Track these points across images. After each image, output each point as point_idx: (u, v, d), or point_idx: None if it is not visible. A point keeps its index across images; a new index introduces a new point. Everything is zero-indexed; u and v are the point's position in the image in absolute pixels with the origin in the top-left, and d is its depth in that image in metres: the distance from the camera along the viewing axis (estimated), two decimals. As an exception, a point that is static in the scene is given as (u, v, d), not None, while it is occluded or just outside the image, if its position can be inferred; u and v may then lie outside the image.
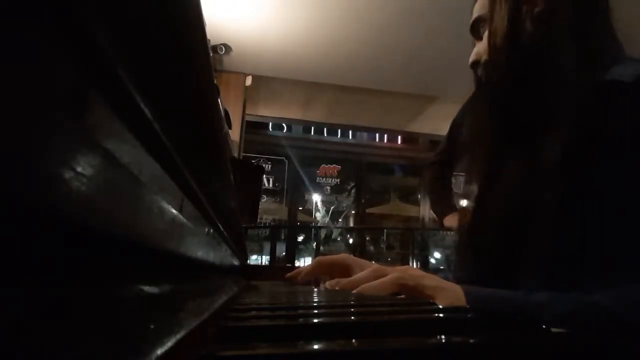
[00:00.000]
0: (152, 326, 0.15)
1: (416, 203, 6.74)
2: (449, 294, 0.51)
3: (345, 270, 0.68)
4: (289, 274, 0.79)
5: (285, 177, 6.44)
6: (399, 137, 6.50)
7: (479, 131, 0.73)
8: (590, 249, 0.54)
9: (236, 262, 0.80)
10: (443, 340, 0.18)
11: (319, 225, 6.51)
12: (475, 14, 0.72)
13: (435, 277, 0.55)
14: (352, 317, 0.27)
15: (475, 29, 0.73)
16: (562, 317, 0.46)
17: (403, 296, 0.52)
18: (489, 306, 0.50)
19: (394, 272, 0.54)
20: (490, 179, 0.70)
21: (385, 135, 6.62)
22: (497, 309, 0.49)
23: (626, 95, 0.55)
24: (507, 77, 0.65)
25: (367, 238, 6.45)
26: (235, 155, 3.29)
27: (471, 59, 0.72)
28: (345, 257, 0.70)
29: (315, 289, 0.73)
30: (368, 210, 6.74)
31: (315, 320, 0.25)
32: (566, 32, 0.64)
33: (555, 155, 0.58)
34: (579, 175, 0.56)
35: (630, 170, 0.53)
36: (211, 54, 2.79)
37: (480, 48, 0.70)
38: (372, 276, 0.55)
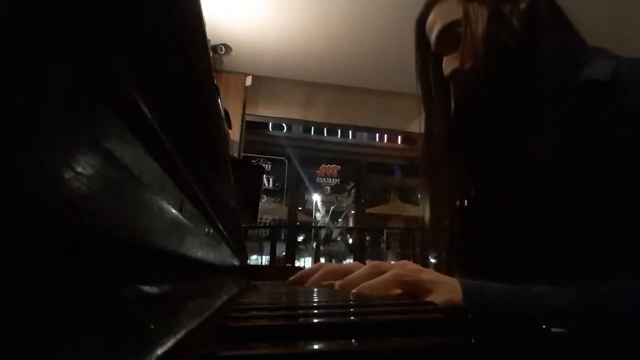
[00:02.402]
0: (152, 326, 0.15)
1: (416, 203, 6.75)
2: (447, 287, 0.50)
3: None
4: (291, 279, 0.77)
5: (285, 177, 6.44)
6: (399, 137, 6.51)
7: (459, 139, 0.71)
8: (586, 247, 0.54)
9: (236, 262, 0.80)
10: (443, 340, 0.18)
11: (319, 225, 6.51)
12: (441, 23, 0.68)
13: (432, 271, 0.54)
14: (352, 317, 0.27)
15: (446, 37, 0.68)
16: (561, 311, 0.46)
17: (400, 292, 0.51)
18: (486, 300, 0.49)
19: (393, 269, 0.53)
20: (476, 185, 0.69)
21: (385, 135, 6.62)
22: (494, 302, 0.49)
23: (606, 94, 0.56)
24: (491, 81, 0.62)
25: (367, 238, 6.45)
26: (235, 155, 3.29)
27: (450, 67, 0.67)
28: (356, 265, 0.68)
29: (315, 289, 0.73)
30: (368, 210, 6.74)
31: (315, 320, 0.25)
32: (549, 30, 0.64)
33: (543, 155, 0.58)
34: (568, 175, 0.56)
35: (621, 169, 0.53)
36: (211, 54, 2.79)
37: (459, 54, 0.66)
38: (371, 273, 0.54)
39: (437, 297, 0.49)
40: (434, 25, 0.70)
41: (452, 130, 0.70)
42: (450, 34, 0.67)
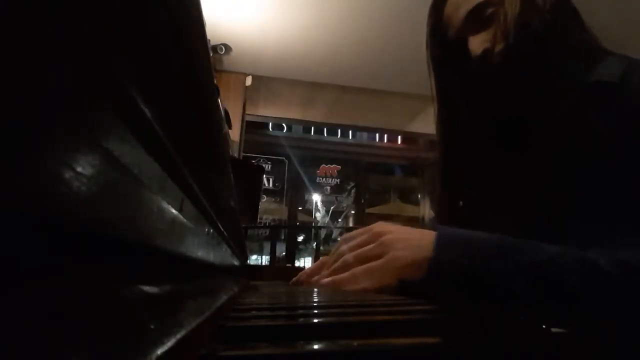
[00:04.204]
0: (152, 326, 0.15)
1: (416, 203, 6.74)
2: (402, 244, 0.49)
3: None
4: (293, 280, 0.77)
5: (285, 177, 6.44)
6: (399, 137, 6.50)
7: (469, 131, 0.71)
8: (590, 243, 0.54)
9: (236, 262, 0.80)
10: (443, 340, 0.18)
11: (319, 225, 6.51)
12: (473, 1, 0.67)
13: (389, 228, 0.53)
14: (352, 317, 0.27)
15: (475, 17, 0.67)
16: (546, 263, 0.44)
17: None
18: (468, 253, 0.47)
19: (341, 248, 0.56)
20: (483, 179, 0.69)
21: (385, 135, 6.62)
22: (478, 255, 0.47)
23: (613, 96, 0.56)
24: (520, 64, 0.62)
25: (367, 238, 6.43)
26: (235, 155, 3.29)
27: (481, 47, 0.66)
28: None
29: (315, 289, 0.73)
30: (368, 210, 6.74)
31: (315, 320, 0.25)
32: (570, 25, 0.64)
33: (553, 152, 0.58)
34: (573, 173, 0.56)
35: (624, 170, 0.53)
36: (211, 54, 2.79)
37: (490, 35, 0.65)
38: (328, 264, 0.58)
39: (384, 261, 0.49)
40: (462, 5, 0.68)
41: (466, 114, 0.70)
42: (480, 14, 0.67)
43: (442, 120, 0.74)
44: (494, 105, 0.66)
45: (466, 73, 0.68)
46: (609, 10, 2.48)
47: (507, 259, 0.46)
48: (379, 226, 0.56)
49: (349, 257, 0.54)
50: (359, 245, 0.54)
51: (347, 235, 0.60)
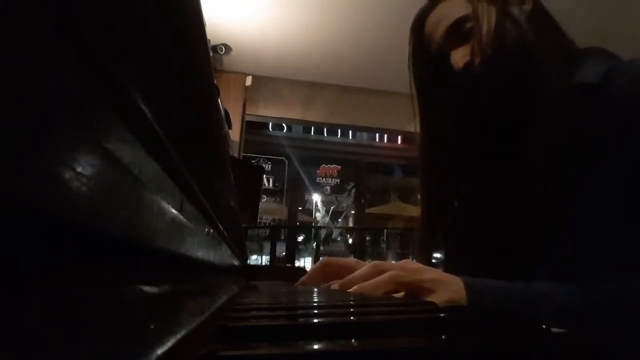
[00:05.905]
0: (152, 326, 0.15)
1: (416, 203, 6.73)
2: (449, 286, 0.50)
3: None
4: (299, 282, 0.77)
5: (285, 177, 6.45)
6: (399, 137, 6.50)
7: (462, 136, 0.71)
8: (583, 245, 0.54)
9: (236, 262, 0.80)
10: (443, 341, 0.18)
11: (319, 225, 6.51)
12: (451, 17, 0.68)
13: (435, 270, 0.54)
14: (352, 317, 0.27)
15: (455, 32, 0.69)
16: (564, 308, 0.45)
17: (402, 293, 0.51)
18: (489, 298, 0.49)
19: (391, 269, 0.53)
20: (476, 182, 0.69)
21: (385, 135, 6.62)
22: (497, 300, 0.48)
23: (597, 96, 0.57)
24: (500, 76, 0.63)
25: (367, 238, 6.45)
26: (235, 155, 3.29)
27: (462, 61, 0.68)
28: (355, 262, 0.68)
29: (316, 289, 0.73)
30: (368, 210, 6.74)
31: (316, 320, 0.25)
32: (548, 33, 0.65)
33: (543, 155, 0.59)
34: (564, 175, 0.57)
35: (612, 169, 0.54)
36: (211, 54, 2.79)
37: (470, 49, 0.67)
38: (370, 273, 0.54)
39: (438, 297, 0.48)
40: (441, 21, 0.70)
41: (454, 126, 0.71)
42: (460, 29, 0.68)
43: (430, 132, 0.75)
44: (483, 113, 0.67)
45: (453, 85, 0.70)
46: (608, 11, 2.48)
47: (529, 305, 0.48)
48: (414, 264, 0.56)
49: (401, 274, 0.52)
50: (414, 270, 0.53)
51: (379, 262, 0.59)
